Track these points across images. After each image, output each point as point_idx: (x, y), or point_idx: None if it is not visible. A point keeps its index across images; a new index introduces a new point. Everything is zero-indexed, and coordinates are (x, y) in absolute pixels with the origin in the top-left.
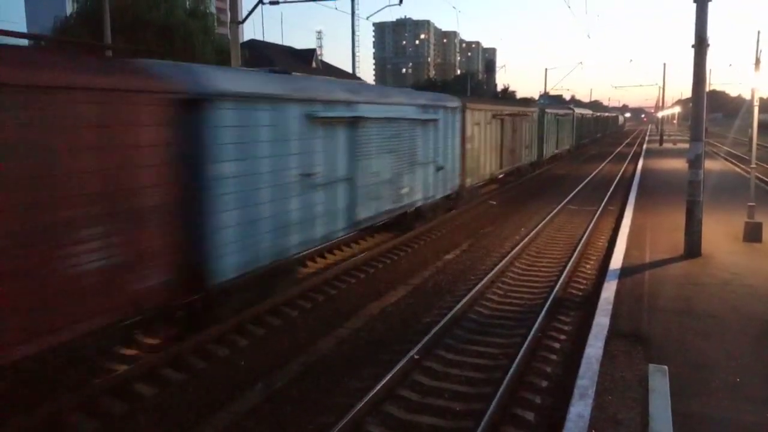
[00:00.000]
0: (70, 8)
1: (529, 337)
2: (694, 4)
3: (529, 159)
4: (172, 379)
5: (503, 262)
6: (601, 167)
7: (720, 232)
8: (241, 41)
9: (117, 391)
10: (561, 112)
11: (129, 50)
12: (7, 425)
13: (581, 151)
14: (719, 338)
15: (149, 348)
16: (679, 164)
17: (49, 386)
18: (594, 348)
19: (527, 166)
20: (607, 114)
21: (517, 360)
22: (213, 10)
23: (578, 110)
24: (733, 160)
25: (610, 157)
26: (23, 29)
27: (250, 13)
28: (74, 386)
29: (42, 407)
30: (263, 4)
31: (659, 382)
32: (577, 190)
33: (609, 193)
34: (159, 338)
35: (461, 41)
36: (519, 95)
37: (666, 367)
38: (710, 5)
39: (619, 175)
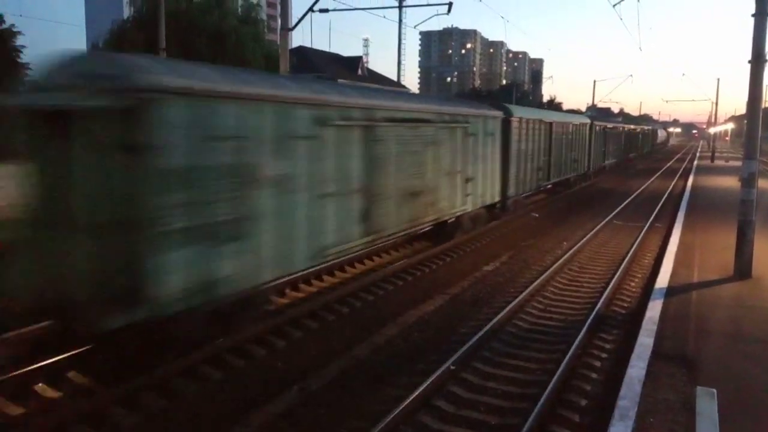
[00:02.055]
0: (127, 12)
1: (569, 354)
2: (752, 18)
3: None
4: (210, 376)
5: (544, 275)
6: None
7: None
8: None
9: (156, 388)
10: (483, 113)
11: None
12: None
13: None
14: None
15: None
16: (731, 182)
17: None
18: (636, 368)
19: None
20: (633, 127)
21: (555, 376)
22: (264, 16)
23: (557, 118)
24: None
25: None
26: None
27: (300, 20)
28: (115, 382)
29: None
30: (313, 12)
31: (707, 405)
32: (623, 205)
33: (656, 210)
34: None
35: (508, 51)
36: (565, 107)
37: (714, 390)
38: None
39: (667, 192)
